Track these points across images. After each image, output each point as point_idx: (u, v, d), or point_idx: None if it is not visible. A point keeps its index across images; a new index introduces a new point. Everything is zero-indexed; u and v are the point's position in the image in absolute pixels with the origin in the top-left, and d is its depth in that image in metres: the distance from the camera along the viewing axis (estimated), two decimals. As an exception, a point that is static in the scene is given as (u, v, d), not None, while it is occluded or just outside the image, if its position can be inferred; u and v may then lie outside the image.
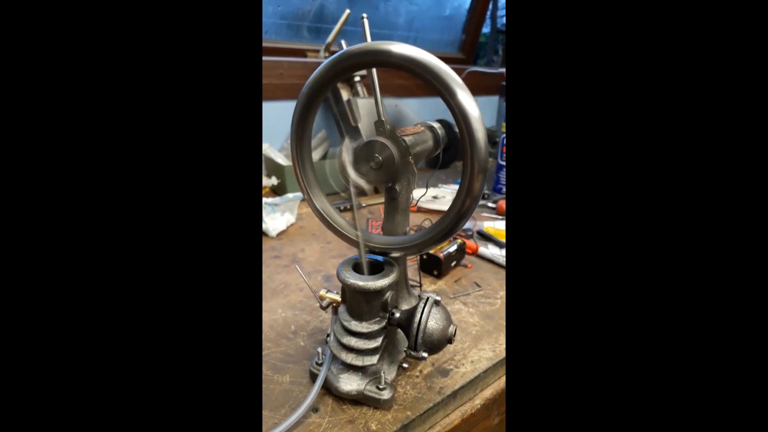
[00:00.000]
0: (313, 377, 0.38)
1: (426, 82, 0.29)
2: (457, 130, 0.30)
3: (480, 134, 0.29)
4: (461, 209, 0.32)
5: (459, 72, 1.25)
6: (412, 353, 0.34)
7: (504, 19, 1.47)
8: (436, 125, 0.43)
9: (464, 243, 0.60)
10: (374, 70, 0.35)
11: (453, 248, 0.57)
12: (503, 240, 0.67)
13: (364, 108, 0.91)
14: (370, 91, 1.08)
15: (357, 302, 0.34)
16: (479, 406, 0.39)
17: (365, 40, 0.33)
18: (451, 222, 0.33)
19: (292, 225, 0.72)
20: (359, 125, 0.87)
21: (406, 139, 0.35)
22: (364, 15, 0.33)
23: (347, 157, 0.34)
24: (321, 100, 0.36)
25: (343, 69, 0.32)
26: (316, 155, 0.98)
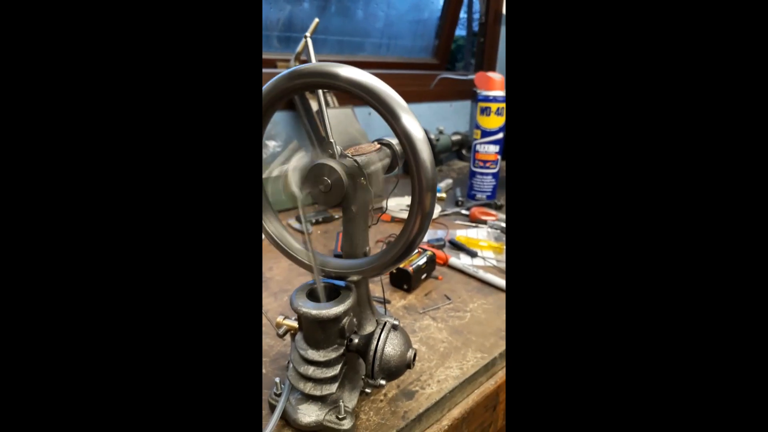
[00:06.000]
0: (272, 408, 0.36)
1: (372, 107, 0.28)
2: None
3: (425, 155, 0.28)
4: (415, 228, 0.31)
5: (431, 78, 1.25)
6: (370, 381, 0.33)
7: (478, 23, 1.48)
8: (395, 141, 0.42)
9: (434, 254, 0.59)
10: (321, 92, 0.34)
11: (423, 261, 0.57)
12: (474, 249, 0.66)
13: (335, 118, 0.90)
14: (341, 101, 1.07)
15: (312, 330, 0.33)
16: (446, 427, 0.38)
17: (309, 60, 0.32)
18: (407, 242, 0.32)
19: (261, 241, 0.71)
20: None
21: (358, 159, 0.34)
22: (307, 35, 0.32)
23: (293, 178, 0.32)
24: (269, 118, 0.35)
25: (290, 89, 0.31)
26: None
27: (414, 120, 0.28)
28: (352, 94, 0.29)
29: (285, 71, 0.31)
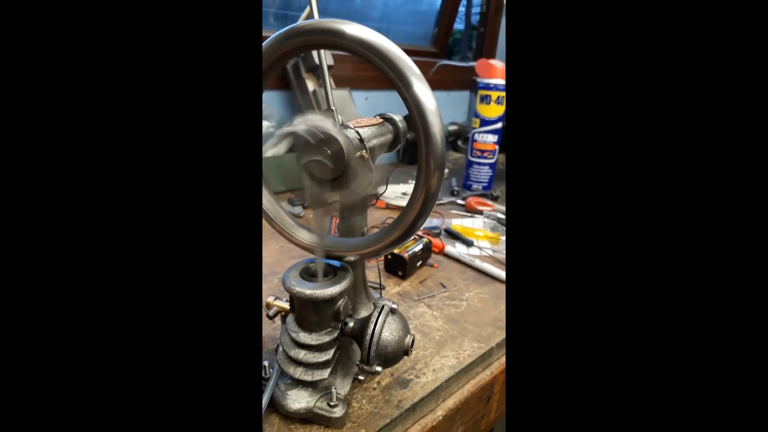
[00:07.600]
0: (259, 393, 0.34)
1: (380, 70, 0.26)
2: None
3: (437, 128, 0.26)
4: (418, 209, 0.29)
5: (430, 65, 1.22)
6: (365, 367, 0.31)
7: (477, 16, 1.46)
8: (398, 118, 0.40)
9: (430, 242, 0.57)
10: (323, 53, 0.32)
11: (419, 247, 0.55)
12: (470, 238, 0.65)
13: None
14: (338, 82, 1.03)
15: (305, 312, 0.31)
16: (441, 417, 0.37)
17: (312, 17, 0.29)
18: (409, 223, 0.30)
19: (251, 223, 0.68)
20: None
21: (361, 131, 0.32)
22: (311, -9, 0.29)
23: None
24: (267, 83, 0.32)
25: (290, 48, 0.29)
26: (281, 148, 0.93)
27: (427, 89, 0.26)
28: (359, 56, 0.26)
29: (281, 30, 0.28)
